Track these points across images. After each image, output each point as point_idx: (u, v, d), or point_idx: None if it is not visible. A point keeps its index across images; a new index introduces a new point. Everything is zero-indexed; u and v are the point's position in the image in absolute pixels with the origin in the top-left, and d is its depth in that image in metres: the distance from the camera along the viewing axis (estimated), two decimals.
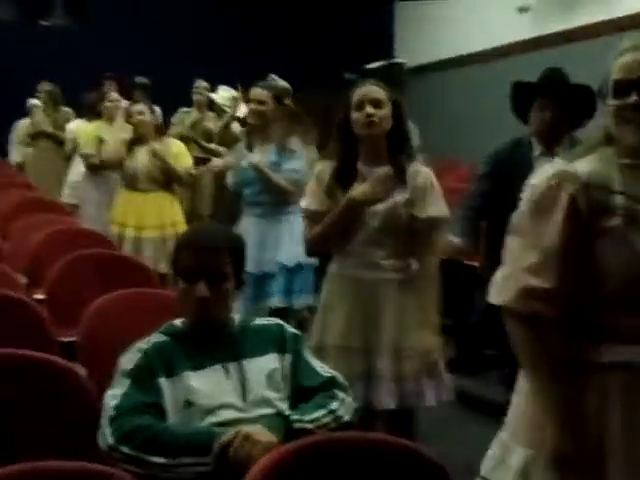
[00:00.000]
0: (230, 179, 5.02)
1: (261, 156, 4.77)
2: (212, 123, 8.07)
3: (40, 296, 4.13)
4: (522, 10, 9.88)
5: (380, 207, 3.28)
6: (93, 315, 3.30)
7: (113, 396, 2.37)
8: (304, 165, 4.84)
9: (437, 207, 3.35)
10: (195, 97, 8.46)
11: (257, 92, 4.92)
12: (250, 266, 4.37)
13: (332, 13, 13.25)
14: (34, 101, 8.91)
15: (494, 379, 4.86)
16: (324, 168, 3.42)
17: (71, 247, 4.56)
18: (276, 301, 4.71)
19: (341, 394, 2.51)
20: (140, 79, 9.44)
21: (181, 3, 12.83)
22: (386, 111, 3.32)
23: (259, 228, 4.79)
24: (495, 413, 4.66)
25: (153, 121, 6.01)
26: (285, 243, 4.77)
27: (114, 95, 7.25)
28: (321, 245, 3.45)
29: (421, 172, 3.38)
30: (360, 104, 3.31)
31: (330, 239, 3.38)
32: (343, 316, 3.36)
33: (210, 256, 2.48)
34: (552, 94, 3.92)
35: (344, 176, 3.35)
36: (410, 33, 12.92)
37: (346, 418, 2.45)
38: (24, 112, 9.51)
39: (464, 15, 11.23)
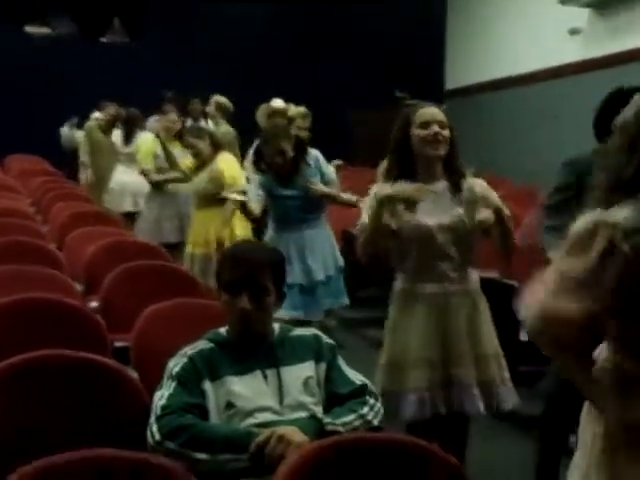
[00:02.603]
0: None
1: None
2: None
3: (94, 303, 4.36)
4: (573, 32, 9.97)
5: (443, 221, 3.44)
6: (145, 322, 3.50)
7: (161, 396, 2.58)
8: None
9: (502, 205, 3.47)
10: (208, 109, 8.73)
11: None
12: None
13: (384, 32, 13.41)
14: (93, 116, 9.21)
15: (527, 394, 4.98)
16: (380, 188, 3.49)
17: (124, 258, 4.79)
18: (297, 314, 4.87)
19: (371, 400, 2.69)
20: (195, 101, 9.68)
21: (237, 20, 13.09)
22: (447, 133, 3.47)
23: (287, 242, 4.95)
24: (526, 426, 4.81)
25: (206, 147, 6.20)
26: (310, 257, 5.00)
27: (173, 116, 7.47)
28: (370, 250, 3.50)
29: (476, 183, 3.54)
30: (427, 123, 3.44)
31: (374, 242, 3.46)
32: (417, 330, 3.46)
33: (252, 270, 2.67)
34: None
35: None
36: (461, 53, 13.05)
37: (375, 422, 2.65)
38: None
39: (515, 36, 11.33)
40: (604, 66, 9.28)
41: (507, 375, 3.55)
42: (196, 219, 6.16)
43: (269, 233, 5.12)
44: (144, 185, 7.50)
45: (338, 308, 5.65)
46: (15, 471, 2.01)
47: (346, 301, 5.25)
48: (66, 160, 10.78)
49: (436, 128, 3.43)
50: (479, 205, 3.45)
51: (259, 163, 5.10)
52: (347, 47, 13.29)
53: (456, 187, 3.48)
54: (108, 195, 8.35)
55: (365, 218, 3.46)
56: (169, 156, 6.76)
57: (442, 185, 3.49)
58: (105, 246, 5.12)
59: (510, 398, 3.55)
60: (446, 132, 3.46)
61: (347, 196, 5.20)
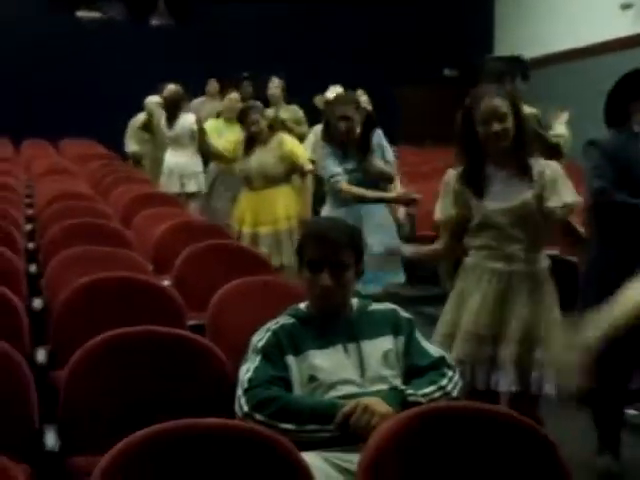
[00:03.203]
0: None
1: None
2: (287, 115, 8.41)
3: (167, 282, 4.49)
4: (625, 7, 9.91)
5: (509, 204, 3.50)
6: (220, 300, 3.62)
7: (247, 370, 2.68)
8: None
9: (570, 194, 3.52)
10: (271, 92, 8.80)
11: (349, 102, 5.24)
12: None
13: (432, 8, 13.38)
14: (154, 98, 9.29)
15: None
16: (450, 176, 3.64)
17: (191, 238, 4.92)
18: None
19: (450, 372, 2.78)
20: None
21: (280, 6, 13.13)
22: (510, 123, 3.51)
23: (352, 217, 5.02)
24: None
25: (265, 125, 6.32)
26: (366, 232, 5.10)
27: (235, 95, 7.58)
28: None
29: (549, 166, 3.58)
30: (486, 120, 3.49)
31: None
32: (476, 304, 3.54)
33: (332, 248, 2.76)
34: None
35: (473, 180, 3.57)
36: (510, 28, 12.99)
37: (454, 394, 2.73)
38: (134, 107, 9.97)
39: (565, 10, 11.28)
40: None
41: None
42: (260, 198, 6.26)
43: (326, 209, 5.23)
44: (189, 166, 7.74)
45: (394, 285, 5.72)
46: (119, 440, 2.12)
47: (402, 278, 5.33)
48: (119, 145, 10.94)
49: (496, 127, 3.47)
50: (548, 191, 3.50)
51: (326, 133, 5.23)
52: (394, 26, 13.29)
53: (524, 171, 3.53)
54: (163, 177, 8.48)
55: (437, 213, 3.69)
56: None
57: (513, 168, 3.55)
58: (173, 227, 5.26)
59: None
60: (507, 124, 3.49)
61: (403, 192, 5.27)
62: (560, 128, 5.69)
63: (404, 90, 13.36)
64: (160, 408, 2.59)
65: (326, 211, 5.20)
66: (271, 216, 6.13)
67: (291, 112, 8.58)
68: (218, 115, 7.45)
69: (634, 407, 4.64)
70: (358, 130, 5.11)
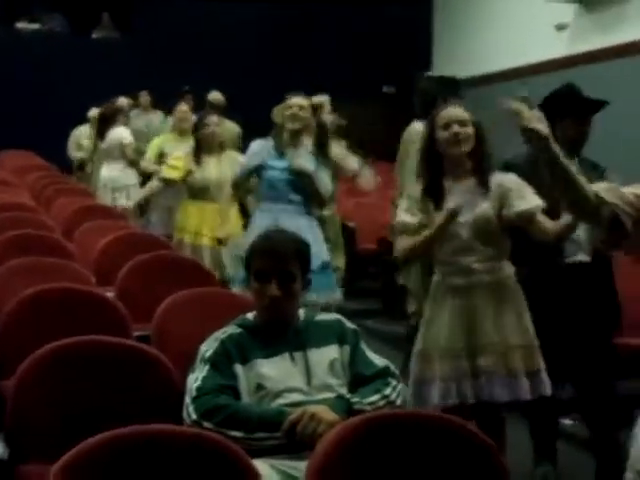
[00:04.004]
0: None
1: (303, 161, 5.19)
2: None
3: (110, 294, 4.49)
4: (560, 28, 10.11)
5: (468, 217, 3.57)
6: (165, 311, 3.66)
7: (195, 379, 2.72)
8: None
9: (527, 201, 3.58)
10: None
11: (299, 99, 5.30)
12: None
13: (370, 27, 13.51)
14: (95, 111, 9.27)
15: None
16: (415, 189, 3.72)
17: (133, 250, 4.94)
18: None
19: (394, 381, 2.85)
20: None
21: (227, 16, 13.15)
22: (470, 130, 3.61)
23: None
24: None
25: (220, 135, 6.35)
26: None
27: (184, 107, 7.57)
28: (410, 257, 3.81)
29: (505, 178, 3.67)
30: (447, 124, 3.59)
31: (420, 253, 3.72)
32: (445, 322, 3.61)
33: (280, 259, 2.82)
34: (584, 111, 4.12)
35: (433, 192, 3.64)
36: (448, 47, 13.18)
37: (398, 402, 2.80)
38: (76, 119, 9.93)
39: (503, 30, 11.47)
40: (590, 61, 9.45)
41: (538, 366, 3.60)
42: (214, 210, 6.20)
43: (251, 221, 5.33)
44: (120, 180, 7.86)
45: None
46: (68, 449, 2.14)
47: (337, 296, 5.33)
48: (58, 156, 10.85)
49: (456, 128, 3.56)
50: (512, 197, 3.57)
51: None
52: (334, 44, 13.39)
53: (483, 183, 3.61)
54: (99, 190, 8.44)
55: (406, 217, 3.66)
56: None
57: (471, 182, 3.63)
58: (115, 239, 5.26)
59: (537, 388, 3.61)
60: (468, 129, 3.59)
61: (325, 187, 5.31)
62: None
63: (343, 107, 13.46)
64: (108, 416, 2.60)
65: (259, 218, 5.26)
66: (213, 230, 6.16)
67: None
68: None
69: (569, 417, 4.76)
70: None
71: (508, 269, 3.67)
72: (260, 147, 5.35)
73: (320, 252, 5.15)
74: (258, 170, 5.31)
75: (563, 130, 3.98)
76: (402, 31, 13.45)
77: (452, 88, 5.65)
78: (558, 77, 9.99)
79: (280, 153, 5.26)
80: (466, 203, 3.57)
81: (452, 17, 12.98)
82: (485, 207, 3.59)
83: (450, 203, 3.54)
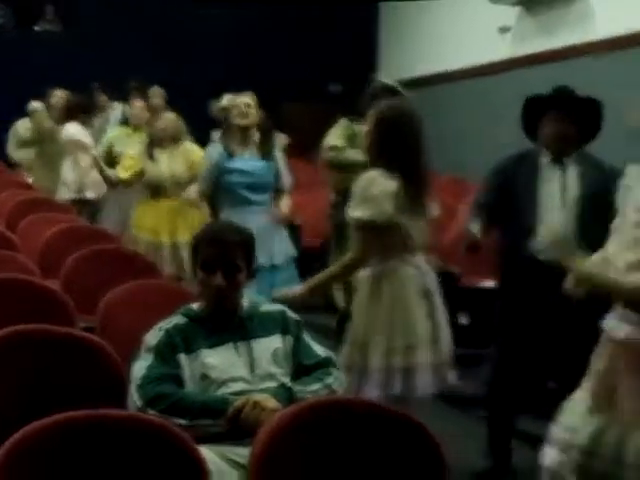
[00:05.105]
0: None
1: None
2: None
3: (54, 286, 4.49)
4: (503, 30, 10.26)
5: None
6: (110, 302, 3.68)
7: (139, 368, 2.76)
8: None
9: (359, 209, 3.60)
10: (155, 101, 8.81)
11: (246, 97, 5.37)
12: None
13: (317, 26, 13.56)
14: (35, 104, 9.18)
15: (465, 376, 5.23)
16: (380, 179, 3.62)
17: (79, 242, 4.94)
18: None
19: (335, 371, 2.92)
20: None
21: (173, 7, 13.11)
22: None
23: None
24: (466, 405, 5.03)
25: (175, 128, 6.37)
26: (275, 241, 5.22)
27: (140, 102, 7.53)
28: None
29: (362, 177, 3.67)
30: None
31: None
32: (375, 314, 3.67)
33: (225, 250, 2.86)
34: (564, 107, 4.03)
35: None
36: (395, 46, 13.29)
37: (339, 391, 2.87)
38: (19, 113, 9.82)
39: (449, 32, 11.60)
40: (532, 64, 9.60)
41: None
42: (173, 206, 6.27)
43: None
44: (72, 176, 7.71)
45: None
46: (6, 438, 2.16)
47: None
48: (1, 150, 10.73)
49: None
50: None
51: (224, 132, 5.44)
52: (277, 42, 13.42)
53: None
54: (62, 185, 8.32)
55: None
56: None
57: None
58: (60, 231, 5.25)
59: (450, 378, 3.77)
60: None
61: None
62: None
63: (289, 105, 13.51)
64: (53, 405, 2.60)
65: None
66: (171, 226, 6.19)
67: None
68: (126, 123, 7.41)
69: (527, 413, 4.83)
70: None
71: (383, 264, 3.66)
72: (217, 155, 5.37)
73: (286, 249, 5.39)
74: (218, 177, 5.35)
75: (547, 127, 4.01)
76: (349, 31, 13.52)
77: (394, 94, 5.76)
78: (501, 79, 10.22)
79: (230, 153, 5.31)
80: None
81: (399, 17, 13.09)
82: None
83: None
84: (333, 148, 5.98)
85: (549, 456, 2.88)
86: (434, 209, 3.81)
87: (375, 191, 3.56)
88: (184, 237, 6.01)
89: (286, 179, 5.49)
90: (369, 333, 3.62)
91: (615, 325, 2.78)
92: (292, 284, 5.24)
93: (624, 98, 7.32)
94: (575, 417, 2.84)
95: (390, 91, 5.57)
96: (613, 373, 2.77)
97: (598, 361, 2.86)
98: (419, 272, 3.68)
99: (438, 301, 3.74)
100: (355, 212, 3.59)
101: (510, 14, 10.09)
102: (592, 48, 8.55)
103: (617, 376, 2.76)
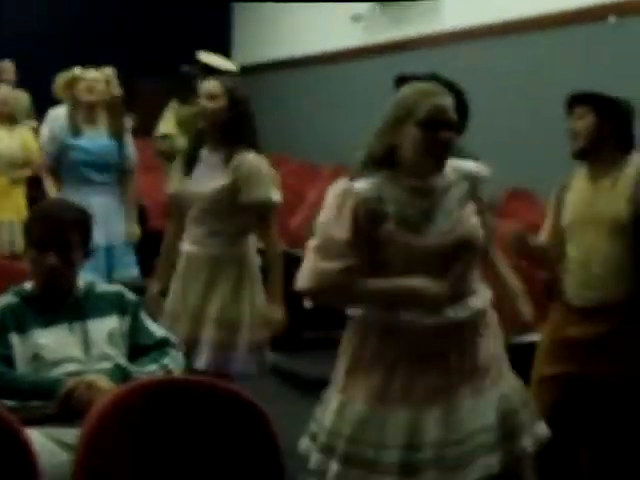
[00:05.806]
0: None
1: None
2: None
3: None
4: (356, 19, 10.38)
5: (206, 190, 3.66)
6: None
7: None
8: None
9: (260, 191, 3.66)
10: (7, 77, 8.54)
11: (93, 72, 5.30)
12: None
13: (170, 4, 13.41)
14: None
15: (310, 358, 5.29)
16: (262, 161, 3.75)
17: None
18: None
19: (173, 352, 2.90)
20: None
21: None
22: (217, 104, 3.68)
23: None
24: (308, 388, 5.08)
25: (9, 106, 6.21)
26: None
27: None
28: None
29: (246, 161, 3.67)
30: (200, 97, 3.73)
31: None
32: (177, 286, 3.79)
33: (58, 228, 2.79)
34: None
35: (190, 161, 3.77)
36: (248, 31, 13.27)
37: (176, 372, 2.85)
38: None
39: (301, 19, 11.67)
40: (383, 53, 9.76)
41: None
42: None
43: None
44: None
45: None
46: None
47: (135, 273, 5.36)
48: None
49: (203, 101, 3.69)
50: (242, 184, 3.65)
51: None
52: (129, 17, 13.20)
53: (228, 158, 3.67)
54: None
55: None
56: None
57: (217, 156, 3.71)
58: None
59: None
60: (212, 104, 3.67)
61: None
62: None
63: (141, 82, 13.29)
64: None
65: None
66: (14, 204, 6.05)
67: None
68: None
69: None
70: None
71: (243, 248, 3.76)
72: (58, 129, 5.24)
73: (127, 230, 5.32)
74: (61, 153, 5.22)
75: None
76: (203, 15, 13.43)
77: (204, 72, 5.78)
78: (353, 66, 10.35)
79: (75, 130, 5.18)
80: (208, 176, 3.70)
81: (255, 2, 13.09)
82: (222, 184, 3.66)
83: None
84: (164, 136, 5.98)
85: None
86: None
87: (269, 172, 3.70)
88: (7, 216, 5.97)
89: (132, 159, 5.40)
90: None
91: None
92: (129, 266, 5.24)
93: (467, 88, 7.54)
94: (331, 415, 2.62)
95: (214, 71, 5.59)
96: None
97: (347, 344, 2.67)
98: None
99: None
100: (274, 195, 3.68)
101: (363, 3, 10.22)
102: (439, 39, 8.79)
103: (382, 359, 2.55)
